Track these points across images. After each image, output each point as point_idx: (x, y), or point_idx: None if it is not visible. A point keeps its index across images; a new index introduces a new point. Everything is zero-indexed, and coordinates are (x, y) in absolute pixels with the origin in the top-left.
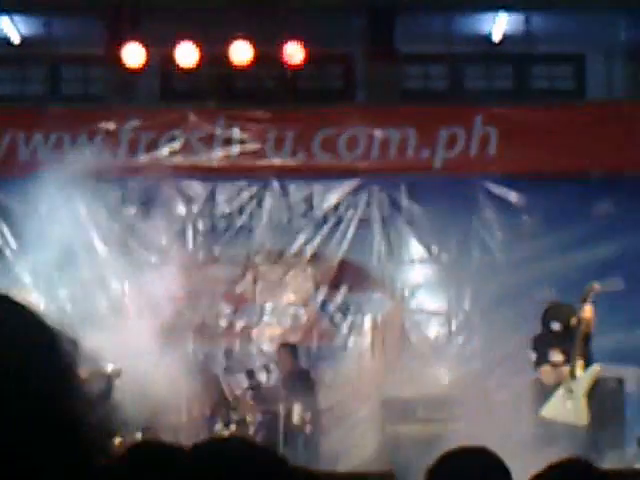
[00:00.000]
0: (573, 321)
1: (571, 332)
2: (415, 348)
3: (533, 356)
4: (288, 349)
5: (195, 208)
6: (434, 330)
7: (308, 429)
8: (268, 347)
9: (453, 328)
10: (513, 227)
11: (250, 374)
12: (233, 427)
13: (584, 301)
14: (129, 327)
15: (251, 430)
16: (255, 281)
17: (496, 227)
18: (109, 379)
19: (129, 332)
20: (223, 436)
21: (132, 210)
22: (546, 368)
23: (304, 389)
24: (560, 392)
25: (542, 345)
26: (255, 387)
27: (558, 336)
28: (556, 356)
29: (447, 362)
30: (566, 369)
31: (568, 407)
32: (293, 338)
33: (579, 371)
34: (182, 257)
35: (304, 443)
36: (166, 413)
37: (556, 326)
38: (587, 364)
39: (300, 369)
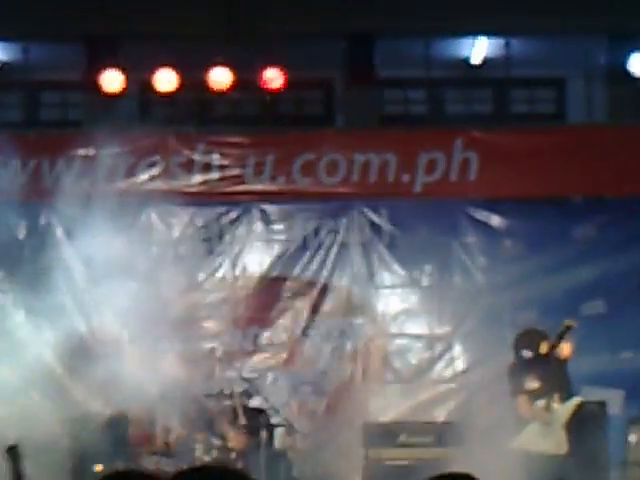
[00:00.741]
0: (543, 347)
1: (544, 359)
2: (397, 372)
3: (509, 386)
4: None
5: (175, 233)
6: (416, 354)
7: (290, 454)
8: (249, 373)
9: (435, 353)
10: (494, 251)
11: (231, 399)
12: (214, 453)
13: (560, 338)
14: (109, 354)
15: (232, 455)
16: (236, 306)
17: (477, 251)
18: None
19: (110, 358)
20: (204, 463)
21: (111, 236)
22: (522, 398)
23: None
24: (535, 425)
25: (516, 374)
26: (236, 412)
27: (531, 364)
28: (531, 384)
29: (429, 387)
30: (542, 402)
31: (545, 438)
32: (274, 363)
33: (556, 404)
34: (163, 282)
35: (286, 469)
36: (147, 438)
37: (528, 354)
38: (567, 391)
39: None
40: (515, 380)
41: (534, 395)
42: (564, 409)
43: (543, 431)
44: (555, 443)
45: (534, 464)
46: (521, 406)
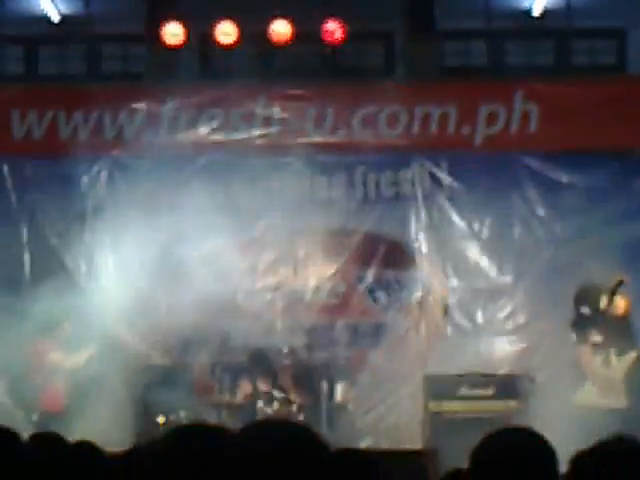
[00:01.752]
0: (603, 302)
1: (602, 315)
2: (457, 325)
3: (573, 337)
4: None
5: (235, 186)
6: (476, 307)
7: (351, 407)
8: (310, 325)
9: (496, 305)
10: (554, 204)
11: (292, 351)
12: (276, 405)
13: (613, 293)
14: (168, 302)
15: (294, 408)
16: (297, 259)
17: (537, 204)
18: None
19: (171, 311)
20: (269, 419)
21: (170, 189)
22: (586, 348)
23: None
24: (594, 380)
25: (580, 328)
26: (297, 365)
27: (591, 319)
28: (595, 337)
29: (490, 339)
30: (600, 357)
31: (604, 393)
32: (334, 315)
33: (614, 358)
34: (224, 236)
35: (347, 421)
36: (210, 388)
37: (586, 310)
38: (628, 345)
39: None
40: (579, 333)
41: (595, 349)
42: (623, 363)
43: (603, 386)
44: (615, 397)
45: (594, 419)
46: (584, 356)
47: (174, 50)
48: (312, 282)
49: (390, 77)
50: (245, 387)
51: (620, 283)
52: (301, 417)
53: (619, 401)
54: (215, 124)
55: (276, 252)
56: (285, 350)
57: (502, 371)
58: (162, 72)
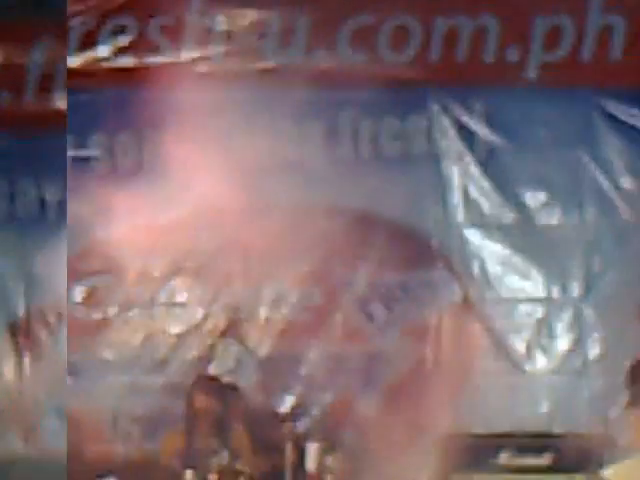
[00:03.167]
0: None
1: None
2: (496, 357)
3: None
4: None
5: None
6: (526, 329)
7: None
8: (266, 352)
9: (554, 327)
10: None
11: (236, 396)
12: (214, 477)
13: None
14: None
15: None
16: (246, 251)
17: (621, 170)
18: None
19: None
20: None
21: None
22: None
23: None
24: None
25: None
26: (247, 414)
27: None
28: None
29: (545, 378)
30: None
31: None
32: (305, 339)
33: None
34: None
35: None
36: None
37: None
38: None
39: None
40: (634, 388)
41: None
42: None
43: None
44: None
45: None
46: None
47: None
48: (270, 288)
49: None
50: (171, 441)
51: None
52: None
53: None
54: (125, 40)
55: (213, 240)
56: (227, 393)
57: (564, 429)
58: None
